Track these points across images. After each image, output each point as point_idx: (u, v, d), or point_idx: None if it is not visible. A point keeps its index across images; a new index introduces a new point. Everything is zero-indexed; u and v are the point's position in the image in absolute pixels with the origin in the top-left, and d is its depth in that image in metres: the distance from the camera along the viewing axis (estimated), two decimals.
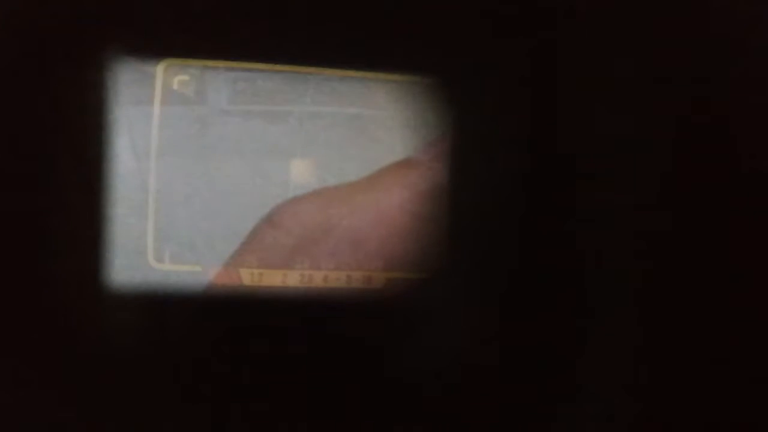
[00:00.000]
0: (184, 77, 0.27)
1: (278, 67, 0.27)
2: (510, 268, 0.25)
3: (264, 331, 0.24)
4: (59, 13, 0.22)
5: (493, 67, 0.25)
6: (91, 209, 0.23)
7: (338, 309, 0.25)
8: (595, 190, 0.25)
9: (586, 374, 0.25)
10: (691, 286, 0.25)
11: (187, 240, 0.29)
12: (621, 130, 0.25)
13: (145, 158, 0.28)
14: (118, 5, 0.23)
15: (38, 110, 0.22)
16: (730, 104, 0.24)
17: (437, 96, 0.28)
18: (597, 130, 0.26)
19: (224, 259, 0.28)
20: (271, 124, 0.29)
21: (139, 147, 0.28)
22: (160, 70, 0.26)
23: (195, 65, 0.27)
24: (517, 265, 0.25)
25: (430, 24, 0.25)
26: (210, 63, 0.27)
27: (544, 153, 0.25)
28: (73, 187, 0.23)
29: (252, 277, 0.27)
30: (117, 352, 0.23)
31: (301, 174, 0.28)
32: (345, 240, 0.27)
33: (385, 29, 0.24)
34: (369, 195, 0.27)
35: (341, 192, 0.28)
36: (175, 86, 0.27)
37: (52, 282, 0.23)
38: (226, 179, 0.29)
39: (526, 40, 0.25)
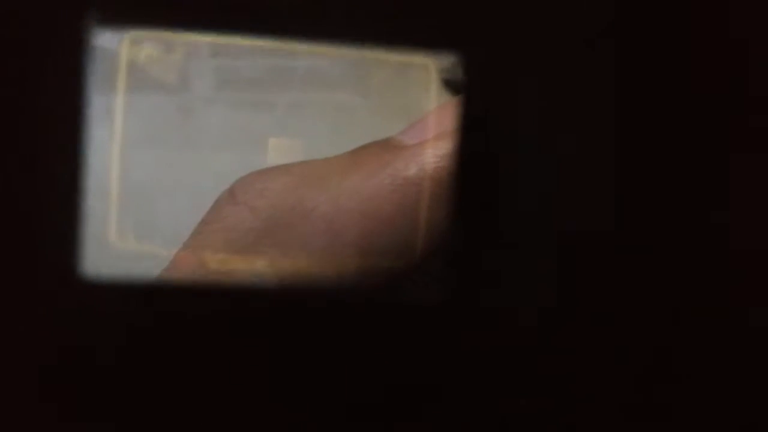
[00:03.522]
0: (151, 51, 0.26)
1: (261, 42, 0.26)
2: (492, 258, 0.24)
3: (227, 319, 0.23)
4: None
5: (486, 49, 0.23)
6: (64, 196, 0.23)
7: (309, 300, 0.24)
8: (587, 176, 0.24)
9: (575, 370, 0.24)
10: None
11: (171, 233, 0.28)
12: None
13: (126, 148, 0.27)
14: None
15: (7, 92, 0.22)
16: None
17: (430, 79, 0.26)
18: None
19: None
20: (257, 113, 0.28)
21: (121, 136, 0.27)
22: (125, 44, 0.26)
23: (162, 39, 0.26)
24: (499, 256, 0.24)
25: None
26: (180, 37, 0.27)
27: (536, 146, 0.24)
28: (45, 173, 0.22)
29: (219, 264, 0.25)
30: (86, 336, 0.22)
31: (282, 163, 0.27)
32: (321, 228, 0.25)
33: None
34: (348, 179, 0.25)
35: (314, 170, 0.25)
36: (142, 60, 0.26)
37: (26, 269, 0.22)
38: (210, 170, 0.28)
39: (523, 19, 0.23)
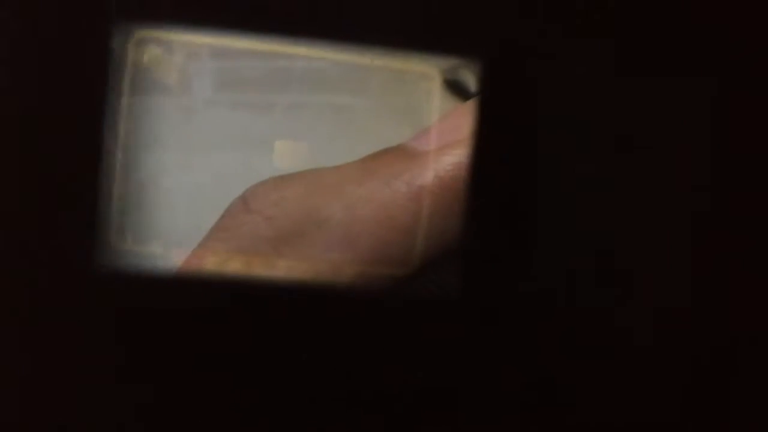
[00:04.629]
0: (154, 53, 0.26)
1: (260, 44, 0.26)
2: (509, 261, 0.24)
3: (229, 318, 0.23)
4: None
5: (496, 53, 0.24)
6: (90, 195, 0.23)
7: (314, 303, 0.24)
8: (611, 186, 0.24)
9: (579, 390, 0.24)
10: None
11: (170, 235, 0.28)
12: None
13: (127, 149, 0.27)
14: None
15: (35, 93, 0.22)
16: None
17: (432, 82, 0.27)
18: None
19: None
20: (257, 114, 0.28)
21: (123, 138, 0.27)
22: (130, 46, 0.25)
23: (168, 39, 0.26)
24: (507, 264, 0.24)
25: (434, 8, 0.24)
26: (180, 38, 0.26)
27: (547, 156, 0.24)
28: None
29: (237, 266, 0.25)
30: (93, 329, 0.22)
31: (288, 166, 0.27)
32: (336, 236, 0.24)
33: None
34: (363, 187, 0.25)
35: (328, 178, 0.25)
36: (144, 62, 0.26)
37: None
38: (210, 172, 0.28)
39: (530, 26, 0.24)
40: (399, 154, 0.25)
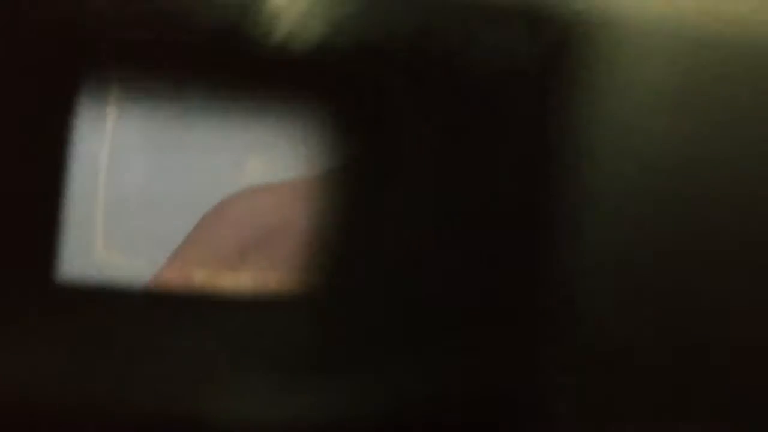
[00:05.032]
0: None
1: None
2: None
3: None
4: None
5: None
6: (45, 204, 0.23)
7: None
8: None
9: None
10: None
11: (161, 241, 0.28)
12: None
13: (117, 156, 0.27)
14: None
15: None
16: None
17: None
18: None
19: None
20: (248, 119, 0.28)
21: (111, 144, 0.27)
22: None
23: None
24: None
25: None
26: None
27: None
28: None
29: (205, 279, 0.25)
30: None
31: (258, 173, 0.27)
32: (303, 246, 0.25)
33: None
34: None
35: (297, 190, 0.26)
36: None
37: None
38: (202, 177, 0.28)
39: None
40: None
